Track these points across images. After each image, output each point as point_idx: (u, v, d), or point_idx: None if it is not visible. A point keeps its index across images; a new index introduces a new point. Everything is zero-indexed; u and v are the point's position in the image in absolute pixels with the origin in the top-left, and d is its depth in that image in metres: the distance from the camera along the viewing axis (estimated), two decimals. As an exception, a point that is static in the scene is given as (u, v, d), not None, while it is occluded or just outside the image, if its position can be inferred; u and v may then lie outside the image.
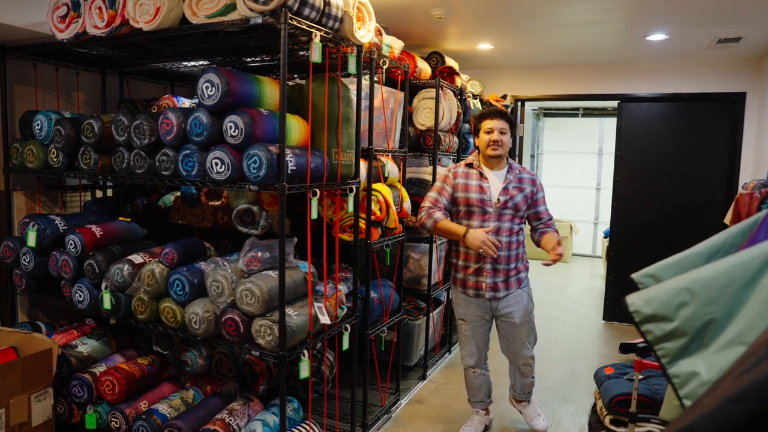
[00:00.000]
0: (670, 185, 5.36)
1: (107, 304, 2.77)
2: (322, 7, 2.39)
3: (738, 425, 0.63)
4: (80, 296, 2.92)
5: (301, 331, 2.48)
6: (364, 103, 3.01)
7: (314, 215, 2.48)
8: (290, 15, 2.21)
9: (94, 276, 2.85)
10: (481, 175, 2.93)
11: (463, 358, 3.15)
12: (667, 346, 0.96)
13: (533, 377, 3.19)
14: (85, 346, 3.06)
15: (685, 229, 5.28)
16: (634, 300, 0.99)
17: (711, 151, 5.21)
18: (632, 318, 0.99)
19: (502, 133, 2.90)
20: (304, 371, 2.51)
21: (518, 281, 2.97)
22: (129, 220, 3.33)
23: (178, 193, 3.60)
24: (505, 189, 2.90)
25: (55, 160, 3.05)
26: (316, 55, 2.36)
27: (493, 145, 2.89)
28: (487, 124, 2.92)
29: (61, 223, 3.11)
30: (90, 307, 2.90)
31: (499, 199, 2.89)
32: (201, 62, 3.40)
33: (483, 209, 2.89)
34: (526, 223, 3.06)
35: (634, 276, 1.26)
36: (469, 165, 2.99)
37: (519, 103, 6.00)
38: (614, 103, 5.66)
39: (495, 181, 2.93)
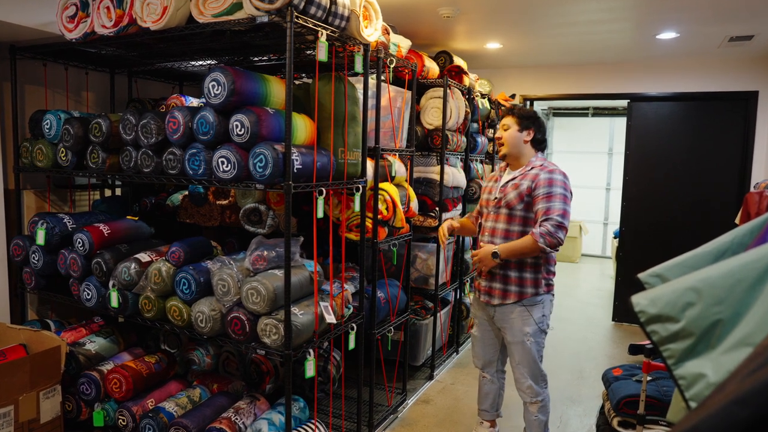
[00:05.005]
0: (680, 185, 5.31)
1: (114, 302, 2.79)
2: (328, 6, 2.39)
3: (743, 427, 0.61)
4: (88, 294, 2.94)
5: (307, 330, 2.48)
6: (371, 102, 3.00)
7: (320, 214, 2.47)
8: (296, 14, 2.20)
9: (101, 274, 2.86)
10: (501, 176, 2.83)
11: (473, 359, 3.06)
12: (673, 347, 0.94)
13: (537, 416, 2.76)
14: (93, 344, 3.08)
15: (695, 230, 5.23)
16: (639, 300, 0.97)
17: (722, 150, 5.15)
18: (637, 318, 0.97)
19: (504, 129, 2.75)
20: (310, 370, 2.51)
21: (519, 295, 2.66)
22: (137, 218, 3.35)
23: (186, 192, 3.61)
24: (503, 187, 2.74)
25: (64, 159, 3.07)
26: (322, 53, 2.35)
27: (497, 143, 2.80)
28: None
29: (69, 222, 3.13)
30: (98, 305, 2.92)
31: (496, 197, 2.75)
32: (209, 61, 3.41)
33: (487, 209, 2.80)
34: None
35: (641, 276, 1.24)
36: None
37: (528, 103, 5.97)
38: (625, 103, 5.61)
39: (504, 181, 2.79)
